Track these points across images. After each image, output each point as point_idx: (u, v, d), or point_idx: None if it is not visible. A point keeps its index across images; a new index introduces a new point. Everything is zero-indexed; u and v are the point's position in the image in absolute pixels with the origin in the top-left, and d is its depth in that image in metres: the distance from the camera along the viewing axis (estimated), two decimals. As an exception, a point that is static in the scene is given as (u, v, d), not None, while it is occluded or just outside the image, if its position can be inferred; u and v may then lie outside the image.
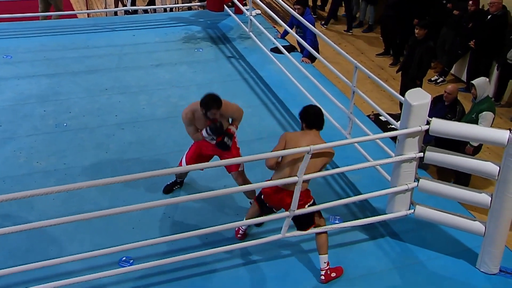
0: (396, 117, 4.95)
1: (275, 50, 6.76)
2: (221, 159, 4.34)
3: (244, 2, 8.21)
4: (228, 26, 8.04)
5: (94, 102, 6.03)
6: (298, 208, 3.74)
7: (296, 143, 3.75)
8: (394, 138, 4.39)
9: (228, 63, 7.06)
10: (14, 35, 7.38)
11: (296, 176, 3.63)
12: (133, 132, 5.55)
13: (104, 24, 8.03)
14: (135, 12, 8.13)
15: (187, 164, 4.43)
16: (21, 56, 6.88)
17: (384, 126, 6.12)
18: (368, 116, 6.32)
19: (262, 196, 3.96)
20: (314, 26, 6.35)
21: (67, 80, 6.44)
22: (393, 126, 4.79)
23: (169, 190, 4.72)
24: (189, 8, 9.56)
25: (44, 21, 7.82)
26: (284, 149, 3.78)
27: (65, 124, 5.62)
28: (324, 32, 10.11)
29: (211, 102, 4.12)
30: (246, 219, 4.06)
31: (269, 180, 3.86)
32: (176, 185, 4.75)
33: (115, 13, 9.27)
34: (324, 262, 3.87)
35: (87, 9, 9.72)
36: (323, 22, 10.86)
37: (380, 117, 6.36)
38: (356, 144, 4.79)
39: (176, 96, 6.24)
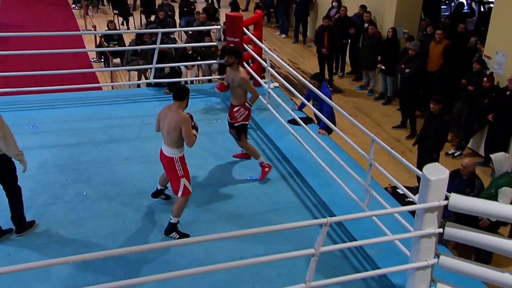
0: (414, 190, 4.93)
1: (293, 121, 6.89)
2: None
3: (262, 75, 8.49)
4: (246, 98, 8.24)
5: (114, 172, 6.14)
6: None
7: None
8: (412, 212, 4.35)
9: (246, 134, 7.18)
10: (41, 107, 7.65)
11: None
12: (151, 201, 5.59)
13: (127, 95, 8.32)
14: (158, 84, 8.41)
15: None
16: (47, 127, 7.09)
17: (402, 199, 6.07)
18: (386, 188, 6.30)
19: None
20: (330, 99, 6.50)
21: (89, 149, 6.60)
22: (410, 200, 4.76)
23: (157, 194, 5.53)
24: (209, 81, 9.88)
25: (70, 93, 8.11)
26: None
27: (84, 193, 5.70)
28: (341, 104, 10.28)
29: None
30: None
31: None
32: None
33: (138, 85, 9.62)
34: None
35: (112, 82, 10.11)
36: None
37: (398, 190, 6.32)
38: (373, 217, 4.75)
39: (193, 166, 6.29)
